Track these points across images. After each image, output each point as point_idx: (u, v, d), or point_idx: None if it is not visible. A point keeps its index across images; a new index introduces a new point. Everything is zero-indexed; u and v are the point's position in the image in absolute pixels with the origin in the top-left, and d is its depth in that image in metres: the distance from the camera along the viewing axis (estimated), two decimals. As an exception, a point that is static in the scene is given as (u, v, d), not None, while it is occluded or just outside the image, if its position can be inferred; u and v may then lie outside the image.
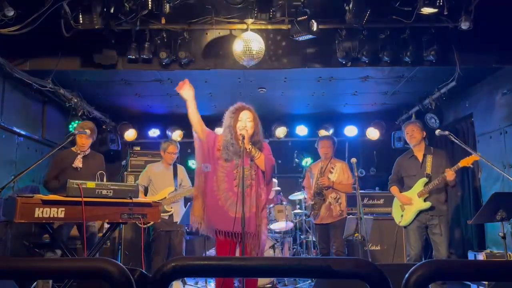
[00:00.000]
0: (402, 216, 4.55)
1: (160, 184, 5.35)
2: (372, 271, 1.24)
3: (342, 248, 4.99)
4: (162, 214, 5.09)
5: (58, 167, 4.55)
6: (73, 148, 4.65)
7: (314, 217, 5.18)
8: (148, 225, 5.19)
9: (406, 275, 1.21)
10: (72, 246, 4.70)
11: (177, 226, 5.24)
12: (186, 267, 1.28)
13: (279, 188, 6.71)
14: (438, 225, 4.33)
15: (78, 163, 4.51)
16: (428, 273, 1.21)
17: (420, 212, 4.40)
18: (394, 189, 4.71)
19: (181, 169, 5.62)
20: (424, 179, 4.43)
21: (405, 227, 4.55)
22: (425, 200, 4.39)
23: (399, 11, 4.29)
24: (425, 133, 4.59)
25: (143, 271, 1.50)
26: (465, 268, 1.28)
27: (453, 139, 4.08)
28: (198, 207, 3.49)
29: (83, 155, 4.59)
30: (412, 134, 4.54)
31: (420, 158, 4.55)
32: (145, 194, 5.35)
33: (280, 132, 7.44)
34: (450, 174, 4.22)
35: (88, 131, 4.37)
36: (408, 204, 4.49)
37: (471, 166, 4.29)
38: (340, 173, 5.14)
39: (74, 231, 4.59)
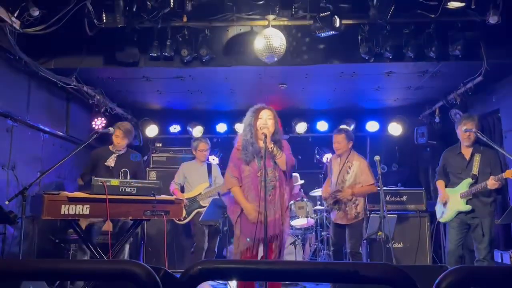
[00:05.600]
0: (443, 212, 4.47)
1: (195, 181, 5.52)
2: (401, 277, 1.22)
3: (357, 248, 4.72)
4: (199, 210, 5.32)
5: (94, 162, 4.73)
6: (110, 146, 4.83)
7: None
8: (186, 221, 5.32)
9: (437, 281, 1.19)
10: (106, 240, 4.76)
11: (215, 221, 5.36)
12: (213, 270, 1.29)
13: (302, 181, 6.70)
14: (479, 226, 4.20)
15: (111, 162, 4.69)
16: (459, 279, 1.19)
17: (460, 212, 4.30)
18: (440, 183, 4.59)
19: (215, 167, 5.78)
20: (470, 180, 4.27)
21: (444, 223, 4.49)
22: (467, 202, 4.26)
23: (424, 5, 4.19)
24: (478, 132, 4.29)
25: (168, 270, 1.51)
26: (498, 275, 1.24)
27: (480, 136, 3.98)
28: (251, 208, 3.52)
29: (118, 154, 4.71)
30: (470, 136, 4.29)
31: (468, 156, 4.37)
32: (182, 192, 5.47)
33: (301, 127, 7.39)
34: (491, 184, 4.03)
35: (111, 129, 4.44)
36: (444, 201, 4.41)
37: None
38: (358, 173, 4.75)
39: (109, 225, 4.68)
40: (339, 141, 4.84)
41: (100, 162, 4.72)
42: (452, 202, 4.37)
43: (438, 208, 4.59)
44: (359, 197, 4.76)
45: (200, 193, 5.39)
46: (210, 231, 5.41)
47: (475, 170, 4.25)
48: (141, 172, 5.02)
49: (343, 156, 4.87)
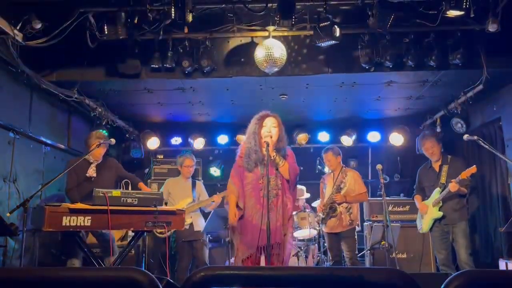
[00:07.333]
0: (421, 224, 4.85)
1: (178, 196, 5.42)
2: (407, 282, 1.21)
3: (355, 256, 5.08)
4: None
5: (75, 175, 4.53)
6: (85, 157, 4.56)
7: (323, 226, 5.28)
8: (168, 234, 5.22)
9: (442, 286, 1.18)
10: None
11: (199, 235, 5.27)
12: (216, 277, 1.27)
13: (308, 195, 6.67)
14: (452, 233, 4.60)
15: (92, 172, 4.50)
16: (465, 283, 1.17)
17: (435, 220, 4.67)
18: (417, 198, 4.97)
19: (199, 184, 5.72)
20: (439, 189, 4.65)
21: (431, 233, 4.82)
22: (439, 209, 4.63)
23: (424, 14, 4.21)
24: (441, 144, 4.88)
25: (170, 280, 1.50)
26: (503, 279, 1.23)
27: (482, 144, 3.98)
28: (232, 214, 3.51)
29: (96, 163, 4.58)
30: (433, 152, 4.82)
31: (437, 168, 4.83)
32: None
33: (302, 138, 7.39)
34: (452, 186, 4.39)
35: (113, 140, 4.42)
36: (424, 213, 4.78)
37: (470, 178, 4.49)
38: (351, 183, 5.12)
39: (91, 238, 4.60)
40: (329, 159, 5.27)
41: (81, 174, 4.48)
42: (427, 212, 4.75)
43: (418, 220, 4.97)
44: (353, 203, 5.12)
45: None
46: (194, 245, 5.31)
47: (442, 179, 4.68)
48: (123, 171, 4.82)
49: (336, 171, 5.26)
